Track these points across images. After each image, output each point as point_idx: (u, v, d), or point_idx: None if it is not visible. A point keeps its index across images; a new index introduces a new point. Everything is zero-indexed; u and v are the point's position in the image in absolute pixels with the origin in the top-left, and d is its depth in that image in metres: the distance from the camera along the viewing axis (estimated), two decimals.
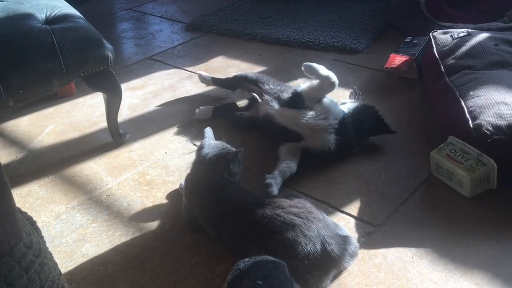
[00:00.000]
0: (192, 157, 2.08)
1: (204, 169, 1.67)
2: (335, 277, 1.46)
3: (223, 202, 1.55)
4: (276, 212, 1.44)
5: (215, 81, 2.60)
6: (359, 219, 1.69)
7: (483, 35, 2.30)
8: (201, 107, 2.40)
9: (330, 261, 1.41)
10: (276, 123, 2.02)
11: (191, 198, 1.66)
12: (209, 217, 1.59)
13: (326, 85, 1.93)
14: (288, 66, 2.86)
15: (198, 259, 1.58)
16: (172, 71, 2.96)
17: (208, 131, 1.82)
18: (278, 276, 1.17)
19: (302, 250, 1.36)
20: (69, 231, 1.75)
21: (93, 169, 2.08)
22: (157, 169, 2.05)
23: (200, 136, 1.86)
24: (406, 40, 2.73)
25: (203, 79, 2.62)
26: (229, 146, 1.75)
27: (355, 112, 2.02)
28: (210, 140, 1.76)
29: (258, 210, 1.46)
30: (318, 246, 1.38)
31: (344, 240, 1.48)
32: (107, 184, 1.98)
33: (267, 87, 2.19)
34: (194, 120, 2.39)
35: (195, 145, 2.19)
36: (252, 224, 1.45)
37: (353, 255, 1.49)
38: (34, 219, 1.12)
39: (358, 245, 1.55)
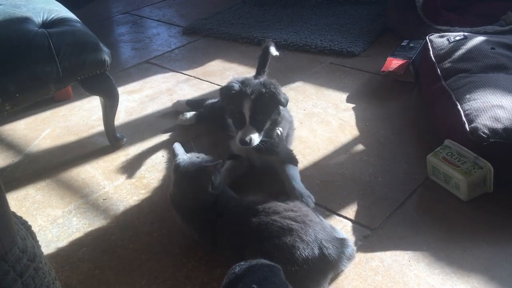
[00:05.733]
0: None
1: (187, 189, 1.59)
2: (332, 280, 1.46)
3: (217, 216, 1.54)
4: (272, 218, 1.43)
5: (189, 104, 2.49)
6: (356, 222, 1.69)
7: (480, 39, 2.31)
8: (185, 113, 2.39)
9: (328, 265, 1.41)
10: None
11: (181, 218, 1.64)
12: (203, 231, 1.58)
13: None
14: (286, 70, 2.86)
15: (195, 263, 1.58)
16: (169, 74, 2.96)
17: (178, 147, 1.69)
18: (273, 280, 1.16)
19: (300, 254, 1.36)
20: (65, 235, 1.74)
21: (90, 173, 2.08)
22: (154, 172, 2.04)
23: (179, 151, 1.81)
24: (403, 43, 2.74)
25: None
26: (203, 155, 1.67)
27: None
28: (184, 156, 1.66)
29: (253, 218, 1.45)
30: (316, 251, 1.38)
31: (341, 243, 1.47)
32: (104, 188, 1.97)
33: None
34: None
35: (193, 149, 2.19)
36: (248, 232, 1.45)
37: (350, 258, 1.48)
38: (31, 223, 1.12)
39: (355, 247, 1.54)
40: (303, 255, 1.36)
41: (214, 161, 1.61)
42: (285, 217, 1.44)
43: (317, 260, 1.38)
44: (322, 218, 1.56)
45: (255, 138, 1.81)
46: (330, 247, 1.41)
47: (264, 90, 1.81)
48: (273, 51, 2.25)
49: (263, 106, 1.81)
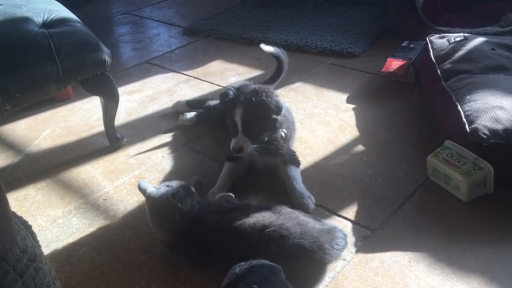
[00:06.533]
0: (186, 164, 2.09)
1: (158, 221, 1.56)
2: (332, 279, 1.46)
3: (193, 244, 1.51)
4: (249, 250, 1.37)
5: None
6: (356, 223, 1.69)
7: (480, 40, 2.31)
8: (186, 114, 2.39)
9: (321, 265, 1.41)
10: None
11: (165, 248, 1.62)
12: (186, 258, 1.56)
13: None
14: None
15: None
16: (170, 75, 2.97)
17: (142, 184, 1.62)
18: (274, 280, 1.17)
19: (290, 271, 1.33)
20: (65, 235, 1.74)
21: (90, 173, 2.08)
22: (154, 173, 2.04)
23: (168, 179, 1.82)
24: (403, 44, 2.74)
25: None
26: (175, 182, 1.62)
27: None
28: (151, 189, 1.60)
29: (230, 248, 1.41)
30: (304, 261, 1.37)
31: (328, 235, 1.44)
32: (104, 188, 1.97)
33: None
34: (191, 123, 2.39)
35: (193, 149, 2.20)
36: (229, 264, 1.37)
37: (341, 248, 1.46)
38: (31, 223, 1.12)
39: (345, 233, 1.53)
40: (293, 270, 1.34)
41: (188, 188, 1.57)
42: (260, 241, 1.39)
43: (309, 267, 1.38)
44: (302, 214, 1.53)
45: (247, 147, 1.81)
46: (316, 248, 1.39)
47: (254, 99, 1.80)
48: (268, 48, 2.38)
49: (254, 115, 1.80)
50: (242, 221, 1.45)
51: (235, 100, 1.84)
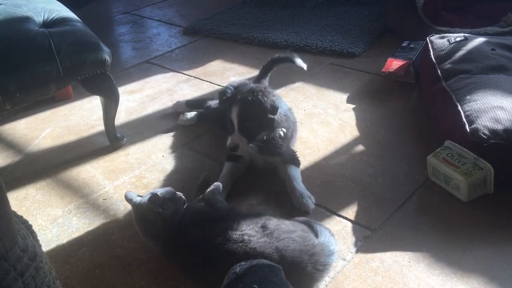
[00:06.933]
0: (186, 164, 2.09)
1: (143, 228, 1.56)
2: (332, 280, 1.46)
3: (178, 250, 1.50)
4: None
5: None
6: (356, 223, 1.69)
7: (480, 40, 2.31)
8: (186, 113, 2.39)
9: (309, 283, 1.39)
10: None
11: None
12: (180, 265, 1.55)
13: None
14: (286, 70, 2.85)
15: None
16: (170, 74, 2.97)
17: (129, 194, 1.62)
18: (274, 280, 1.17)
19: None
20: (65, 235, 1.74)
21: (90, 172, 2.08)
22: (154, 172, 2.04)
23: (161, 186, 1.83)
24: (403, 44, 2.75)
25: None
26: (160, 190, 1.57)
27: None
28: (137, 198, 1.59)
29: (210, 272, 1.38)
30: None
31: (311, 257, 1.38)
32: (104, 188, 1.97)
33: None
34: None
35: (193, 149, 2.20)
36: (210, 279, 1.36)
37: (328, 265, 1.42)
38: (31, 222, 1.12)
39: (335, 243, 1.50)
40: None
41: (172, 193, 1.56)
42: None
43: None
44: (285, 227, 1.45)
45: (242, 146, 1.81)
46: (297, 275, 1.35)
47: (250, 98, 1.80)
48: (301, 63, 2.31)
49: (249, 114, 1.80)
50: (224, 246, 1.40)
51: (232, 99, 1.84)
